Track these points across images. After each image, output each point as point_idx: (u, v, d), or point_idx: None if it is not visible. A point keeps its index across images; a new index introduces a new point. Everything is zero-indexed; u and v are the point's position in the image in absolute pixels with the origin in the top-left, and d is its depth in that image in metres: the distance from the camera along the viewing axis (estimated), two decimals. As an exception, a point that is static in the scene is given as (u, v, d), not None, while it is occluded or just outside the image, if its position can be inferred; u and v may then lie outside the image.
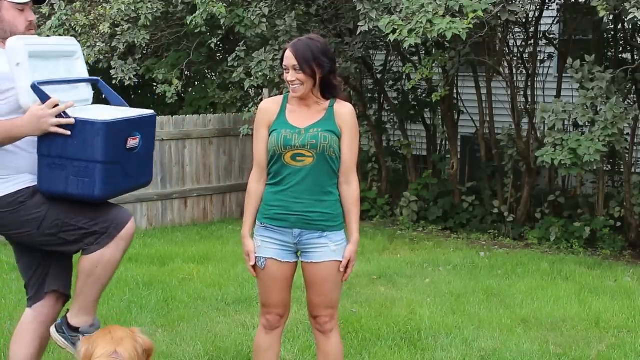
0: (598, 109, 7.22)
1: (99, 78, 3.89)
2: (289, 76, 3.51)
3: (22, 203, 3.42)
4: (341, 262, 3.59)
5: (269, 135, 3.57)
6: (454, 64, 8.24)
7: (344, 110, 3.59)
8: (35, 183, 3.43)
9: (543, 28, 9.01)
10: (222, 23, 8.37)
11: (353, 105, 10.75)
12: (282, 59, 3.57)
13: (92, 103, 3.78)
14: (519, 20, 8.33)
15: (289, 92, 3.62)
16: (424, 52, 9.32)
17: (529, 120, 8.72)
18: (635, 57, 8.41)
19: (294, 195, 3.52)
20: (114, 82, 9.30)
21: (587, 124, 7.38)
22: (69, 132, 3.29)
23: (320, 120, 3.56)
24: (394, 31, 6.92)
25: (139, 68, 9.76)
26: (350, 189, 3.60)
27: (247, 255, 3.63)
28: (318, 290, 3.61)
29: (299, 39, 3.58)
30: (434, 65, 8.12)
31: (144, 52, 10.38)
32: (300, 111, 3.58)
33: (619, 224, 8.19)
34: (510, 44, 9.13)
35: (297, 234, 3.54)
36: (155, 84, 10.28)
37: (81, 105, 3.60)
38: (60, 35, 10.91)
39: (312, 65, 3.49)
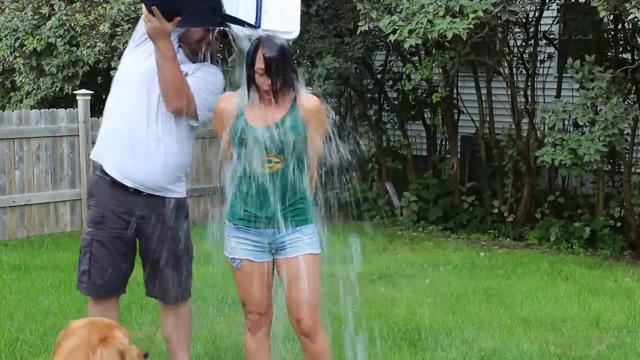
0: (598, 109, 7.22)
1: None
2: (266, 81, 3.37)
3: None
4: (316, 254, 3.55)
5: (230, 138, 3.47)
6: (454, 64, 8.24)
7: (311, 104, 3.48)
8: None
9: (543, 28, 9.00)
10: (222, 23, 8.36)
11: (353, 105, 10.72)
12: (252, 61, 3.37)
13: None
14: (519, 20, 8.32)
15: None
16: (424, 52, 9.31)
17: (529, 120, 8.71)
18: (635, 57, 8.41)
19: (266, 198, 3.45)
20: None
21: (587, 124, 7.37)
22: None
23: (286, 115, 3.44)
24: (394, 31, 6.92)
25: (139, 68, 9.75)
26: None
27: None
28: (297, 287, 3.54)
29: (267, 39, 3.39)
30: (434, 65, 8.12)
31: (144, 52, 10.37)
32: (260, 106, 3.44)
33: (619, 224, 8.19)
34: (510, 44, 9.12)
35: (271, 233, 3.51)
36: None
37: None
38: (60, 36, 10.94)
39: (287, 67, 3.38)
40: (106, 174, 3.71)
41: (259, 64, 3.35)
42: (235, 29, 3.44)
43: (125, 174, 3.68)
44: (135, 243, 3.79)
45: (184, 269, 3.88)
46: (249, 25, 3.44)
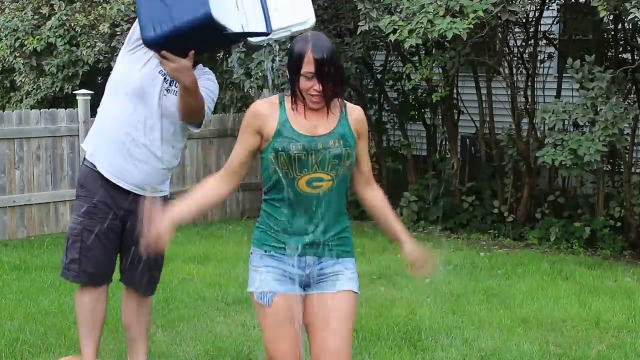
0: (598, 109, 7.23)
1: None
2: (315, 86, 2.88)
3: None
4: (357, 293, 3.06)
5: (272, 150, 2.92)
6: (454, 64, 8.24)
7: (359, 114, 3.08)
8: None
9: (543, 28, 9.01)
10: (222, 23, 8.36)
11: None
12: (299, 63, 2.87)
13: None
14: (519, 20, 8.33)
15: (283, 93, 2.99)
16: (424, 52, 9.32)
17: (529, 120, 8.72)
18: (635, 57, 8.41)
19: (308, 222, 2.95)
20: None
21: (587, 124, 7.37)
22: None
23: (338, 125, 2.98)
24: (394, 31, 6.93)
25: (139, 68, 9.76)
26: (376, 191, 3.16)
27: (157, 232, 2.91)
28: (336, 328, 2.95)
29: (316, 38, 2.92)
30: (434, 65, 8.12)
31: (144, 52, 10.38)
32: (305, 114, 2.95)
33: (619, 224, 8.18)
34: (510, 44, 9.12)
35: (310, 262, 2.98)
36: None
37: None
38: (60, 36, 10.95)
39: (338, 70, 2.93)
40: (96, 166, 3.83)
41: (308, 67, 2.86)
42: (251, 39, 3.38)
43: (121, 176, 3.81)
44: (121, 234, 3.90)
45: (159, 262, 4.04)
46: (260, 34, 3.34)
